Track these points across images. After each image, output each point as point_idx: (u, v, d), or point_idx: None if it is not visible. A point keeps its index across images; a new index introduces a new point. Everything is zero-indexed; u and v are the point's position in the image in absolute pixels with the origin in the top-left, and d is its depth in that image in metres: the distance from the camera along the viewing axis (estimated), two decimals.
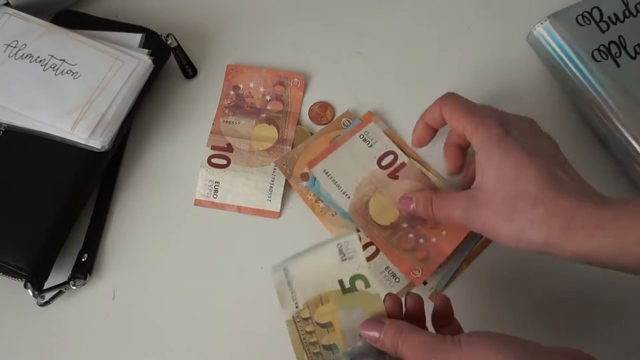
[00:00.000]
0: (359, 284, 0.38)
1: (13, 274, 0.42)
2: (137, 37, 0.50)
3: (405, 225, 0.45)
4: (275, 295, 0.44)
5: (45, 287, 0.43)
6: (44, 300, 0.43)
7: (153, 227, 0.47)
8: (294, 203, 0.48)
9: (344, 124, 0.49)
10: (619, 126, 0.46)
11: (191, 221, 0.47)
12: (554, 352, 0.31)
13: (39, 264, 0.42)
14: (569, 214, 0.35)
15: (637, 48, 0.48)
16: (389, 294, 0.37)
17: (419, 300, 0.37)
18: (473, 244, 0.45)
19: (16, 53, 0.47)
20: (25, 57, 0.47)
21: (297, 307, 0.38)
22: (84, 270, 0.45)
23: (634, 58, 0.48)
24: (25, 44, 0.47)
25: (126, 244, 0.47)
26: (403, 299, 0.38)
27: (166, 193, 0.48)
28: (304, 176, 0.47)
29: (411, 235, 0.44)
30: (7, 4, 0.50)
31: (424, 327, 0.37)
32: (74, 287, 0.44)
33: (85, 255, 0.45)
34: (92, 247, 0.46)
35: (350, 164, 0.47)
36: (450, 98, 0.42)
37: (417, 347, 0.34)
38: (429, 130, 0.45)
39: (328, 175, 0.46)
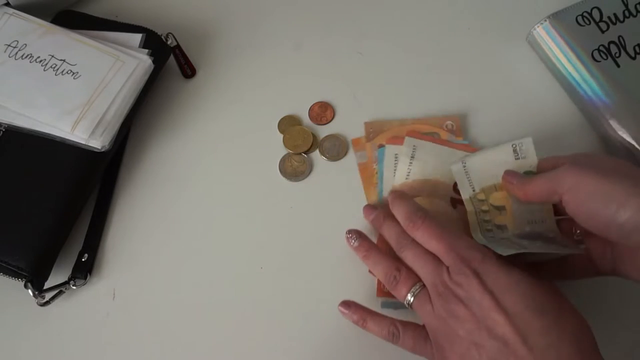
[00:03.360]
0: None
1: (13, 274, 0.42)
2: (137, 37, 0.50)
3: None
4: (277, 294, 0.44)
5: (45, 287, 0.43)
6: (44, 300, 0.43)
7: (153, 227, 0.47)
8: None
9: (447, 126, 0.49)
10: (619, 126, 0.46)
11: (191, 221, 0.47)
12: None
13: (39, 264, 0.43)
14: None
15: (636, 48, 0.48)
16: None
17: None
18: None
19: (16, 53, 0.47)
20: (26, 57, 0.47)
21: (473, 190, 0.42)
22: (84, 270, 0.45)
23: (634, 58, 0.48)
24: (26, 44, 0.47)
25: (126, 244, 0.47)
26: None
27: (166, 193, 0.48)
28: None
29: None
30: (7, 4, 0.50)
31: None
32: (74, 287, 0.44)
33: (85, 255, 0.45)
34: (92, 247, 0.46)
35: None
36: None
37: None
38: None
39: (413, 151, 0.46)
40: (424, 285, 0.38)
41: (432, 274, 0.37)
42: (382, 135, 0.49)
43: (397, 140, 0.47)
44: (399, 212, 0.41)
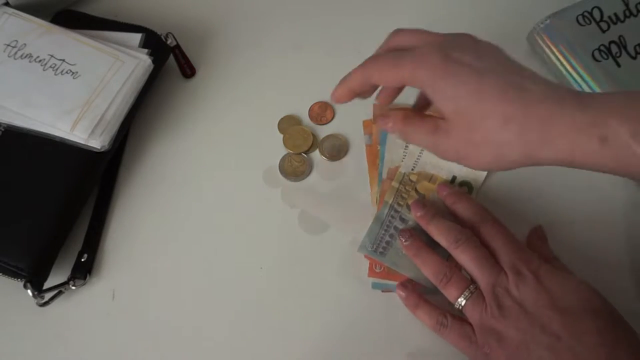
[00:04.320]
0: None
1: (13, 274, 0.42)
2: (136, 37, 0.50)
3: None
4: (277, 294, 0.44)
5: (44, 287, 0.43)
6: (44, 301, 0.43)
7: (153, 227, 0.47)
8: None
9: None
10: None
11: (191, 221, 0.47)
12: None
13: (38, 264, 0.42)
14: (543, 124, 0.32)
15: (637, 48, 0.48)
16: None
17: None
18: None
19: (16, 53, 0.47)
20: (25, 57, 0.47)
21: (412, 169, 0.46)
22: (83, 271, 0.45)
23: (634, 58, 0.48)
24: (25, 44, 0.47)
25: (126, 244, 0.47)
26: None
27: (166, 193, 0.48)
28: None
29: None
30: (7, 4, 0.50)
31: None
32: (73, 287, 0.44)
33: (85, 255, 0.45)
34: (92, 247, 0.46)
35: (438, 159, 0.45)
36: (373, 62, 0.38)
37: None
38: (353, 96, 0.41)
39: None
40: (477, 287, 0.38)
41: (490, 275, 0.38)
42: None
43: None
44: (467, 207, 0.42)
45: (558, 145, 0.32)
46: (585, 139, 0.31)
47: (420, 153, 0.47)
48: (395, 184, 0.45)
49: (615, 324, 0.35)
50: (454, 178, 0.46)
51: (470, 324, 0.38)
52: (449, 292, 0.39)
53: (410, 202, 0.44)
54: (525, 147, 0.32)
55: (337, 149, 0.49)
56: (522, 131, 0.32)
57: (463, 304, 0.38)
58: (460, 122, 0.34)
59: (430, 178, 0.46)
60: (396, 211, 0.44)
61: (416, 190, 0.45)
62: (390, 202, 0.45)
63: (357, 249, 0.43)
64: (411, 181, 0.45)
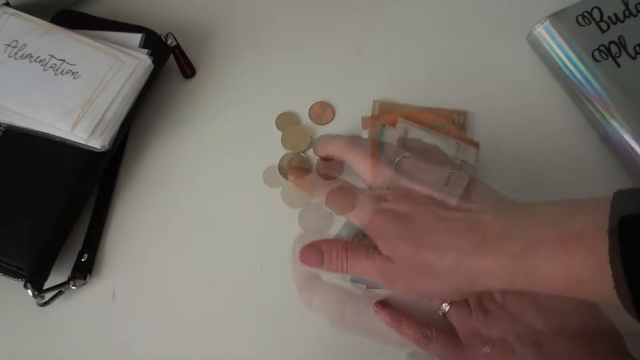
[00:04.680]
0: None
1: (13, 274, 0.42)
2: (137, 37, 0.50)
3: None
4: (277, 294, 0.44)
5: (45, 287, 0.43)
6: (44, 301, 0.43)
7: (153, 227, 0.47)
8: None
9: (453, 119, 0.49)
10: (620, 126, 0.46)
11: (191, 221, 0.47)
12: None
13: (38, 264, 0.42)
14: (474, 256, 0.34)
15: (637, 48, 0.48)
16: None
17: None
18: None
19: (16, 53, 0.47)
20: (25, 57, 0.47)
21: None
22: (83, 271, 0.45)
23: (634, 58, 0.48)
24: (25, 44, 0.47)
25: (126, 244, 0.47)
26: None
27: (166, 193, 0.48)
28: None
29: None
30: (7, 4, 0.50)
31: None
32: (73, 287, 0.44)
33: (85, 255, 0.45)
34: (92, 247, 0.46)
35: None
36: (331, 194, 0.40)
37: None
38: None
39: (406, 133, 0.47)
40: None
41: None
42: (388, 117, 0.49)
43: (413, 120, 0.48)
44: None
45: (496, 276, 0.33)
46: (518, 270, 0.32)
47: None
48: None
49: (597, 319, 0.36)
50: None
51: (455, 333, 0.39)
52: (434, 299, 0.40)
53: None
54: (467, 279, 0.35)
55: None
56: (459, 270, 0.34)
57: (447, 309, 0.39)
58: (401, 268, 0.36)
59: None
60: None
61: None
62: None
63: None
64: None
